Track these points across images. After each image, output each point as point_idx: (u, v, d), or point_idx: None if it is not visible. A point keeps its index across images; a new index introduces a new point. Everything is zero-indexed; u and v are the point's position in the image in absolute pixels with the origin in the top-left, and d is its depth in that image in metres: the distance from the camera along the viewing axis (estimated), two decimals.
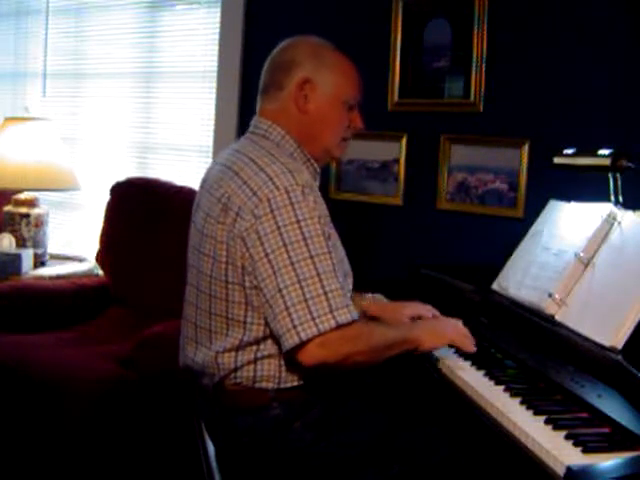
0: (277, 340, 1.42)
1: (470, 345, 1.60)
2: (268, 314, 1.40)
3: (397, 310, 1.83)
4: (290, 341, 1.35)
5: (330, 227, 1.50)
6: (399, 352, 1.50)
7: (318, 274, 1.37)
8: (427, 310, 1.81)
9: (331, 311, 1.35)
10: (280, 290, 1.36)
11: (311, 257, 1.37)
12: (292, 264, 1.37)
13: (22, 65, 3.73)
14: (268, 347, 1.46)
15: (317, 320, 1.34)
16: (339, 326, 1.36)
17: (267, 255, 1.38)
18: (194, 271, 1.57)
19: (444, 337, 1.59)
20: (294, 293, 1.35)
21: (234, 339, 1.47)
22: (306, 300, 1.35)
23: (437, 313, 1.80)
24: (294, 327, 1.35)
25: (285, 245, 1.38)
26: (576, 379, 1.40)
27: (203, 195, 1.58)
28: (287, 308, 1.35)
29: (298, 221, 1.39)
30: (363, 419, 1.53)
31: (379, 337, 1.47)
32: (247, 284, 1.43)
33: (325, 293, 1.36)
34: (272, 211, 1.39)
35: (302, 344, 1.35)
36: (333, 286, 1.37)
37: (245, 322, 1.46)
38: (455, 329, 1.61)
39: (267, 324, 1.43)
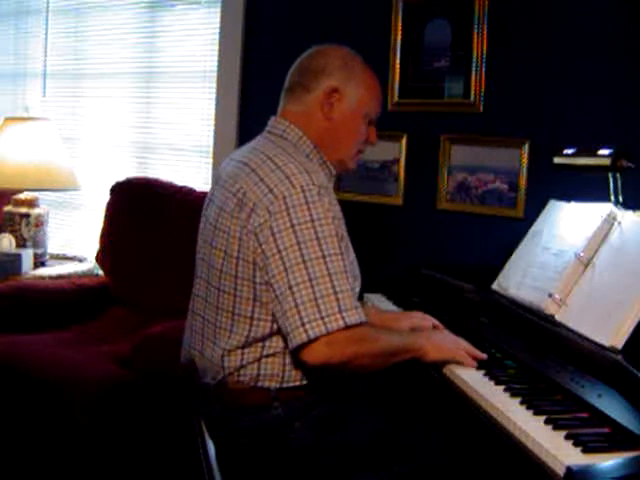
0: (284, 337, 1.42)
1: (471, 362, 1.58)
2: (277, 310, 1.41)
3: (397, 320, 1.82)
4: (297, 338, 1.36)
5: (343, 229, 1.51)
6: (402, 360, 1.51)
7: (329, 274, 1.38)
8: (427, 321, 1.79)
9: (340, 311, 1.36)
10: (291, 287, 1.37)
11: (323, 257, 1.38)
12: (304, 262, 1.37)
13: (22, 65, 3.72)
14: (274, 344, 1.47)
15: (326, 319, 1.35)
16: (347, 327, 1.36)
17: (280, 252, 1.39)
18: (205, 265, 1.58)
19: (448, 352, 1.58)
20: (304, 291, 1.36)
21: (240, 336, 1.47)
22: (316, 299, 1.36)
23: (437, 323, 1.79)
24: (302, 325, 1.35)
25: (298, 243, 1.38)
26: (576, 379, 1.40)
27: (217, 190, 1.59)
28: (297, 305, 1.36)
29: (312, 220, 1.40)
30: (363, 419, 1.53)
31: (385, 342, 1.48)
32: (257, 280, 1.44)
33: (335, 293, 1.37)
34: (287, 209, 1.40)
35: (309, 342, 1.35)
36: (343, 287, 1.38)
37: (252, 317, 1.46)
38: (457, 345, 1.60)
39: (275, 321, 1.44)
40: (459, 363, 1.57)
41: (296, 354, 1.40)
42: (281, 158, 1.49)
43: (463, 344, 1.61)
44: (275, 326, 1.45)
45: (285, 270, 1.38)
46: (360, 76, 1.62)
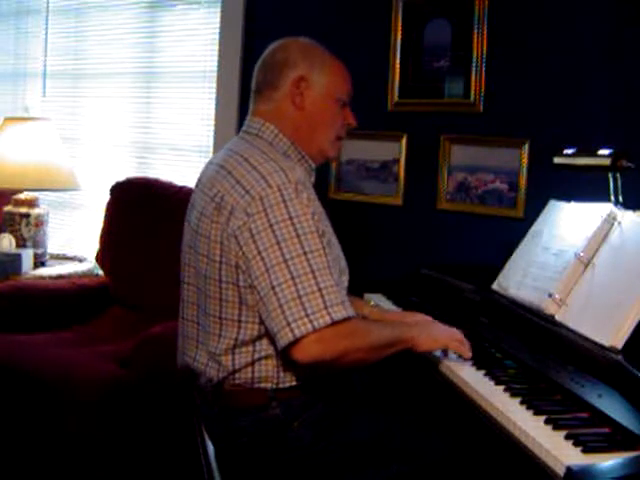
0: (273, 339, 1.42)
1: (466, 351, 1.59)
2: (262, 312, 1.40)
3: (398, 319, 1.81)
4: (285, 338, 1.35)
5: (325, 224, 1.50)
6: (395, 351, 1.50)
7: (312, 270, 1.36)
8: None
9: (326, 307, 1.35)
10: (273, 287, 1.36)
11: (304, 254, 1.37)
12: (285, 261, 1.36)
13: (22, 65, 3.73)
14: (265, 347, 1.46)
15: (312, 317, 1.34)
16: (334, 322, 1.35)
17: (260, 253, 1.38)
18: (192, 270, 1.57)
19: (439, 341, 1.58)
20: (287, 290, 1.35)
21: (229, 339, 1.47)
22: (300, 297, 1.35)
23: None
24: (288, 324, 1.34)
25: (278, 242, 1.37)
26: (576, 379, 1.40)
27: (197, 194, 1.58)
28: (281, 305, 1.35)
29: (291, 218, 1.39)
30: (363, 419, 1.53)
31: (376, 335, 1.46)
32: (241, 283, 1.43)
33: (319, 289, 1.36)
34: (265, 209, 1.40)
35: (297, 341, 1.34)
36: (327, 282, 1.37)
37: (240, 321, 1.46)
38: (450, 334, 1.60)
39: (262, 323, 1.43)
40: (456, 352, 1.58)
41: (286, 353, 1.38)
42: (256, 158, 1.48)
43: (457, 335, 1.60)
44: (263, 328, 1.44)
45: (267, 271, 1.37)
46: (323, 61, 1.62)
